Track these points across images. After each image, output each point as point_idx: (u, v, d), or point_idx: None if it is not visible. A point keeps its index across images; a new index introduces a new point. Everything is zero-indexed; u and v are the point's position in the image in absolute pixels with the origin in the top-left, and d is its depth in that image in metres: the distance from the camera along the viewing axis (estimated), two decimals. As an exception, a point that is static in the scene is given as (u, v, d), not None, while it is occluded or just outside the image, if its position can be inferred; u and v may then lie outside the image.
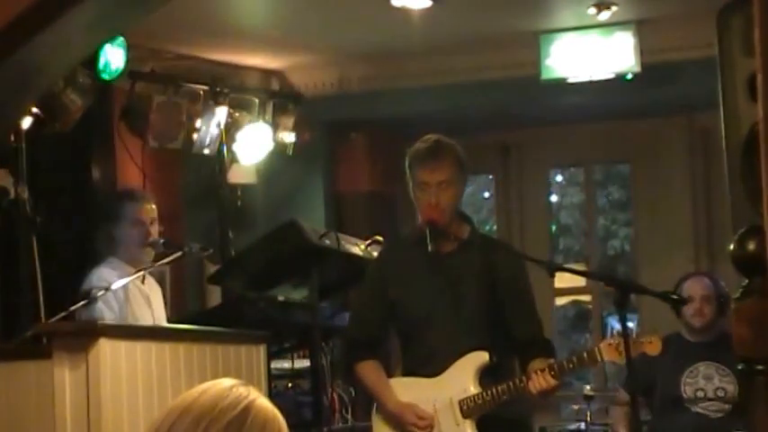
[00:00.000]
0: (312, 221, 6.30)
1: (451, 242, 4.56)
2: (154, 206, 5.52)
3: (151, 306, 5.42)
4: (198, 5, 6.95)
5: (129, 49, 6.64)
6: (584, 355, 4.42)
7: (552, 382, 4.33)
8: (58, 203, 6.37)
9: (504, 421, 4.47)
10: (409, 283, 4.62)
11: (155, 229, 5.46)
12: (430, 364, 4.53)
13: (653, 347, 4.46)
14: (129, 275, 5.19)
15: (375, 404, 4.68)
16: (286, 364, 6.19)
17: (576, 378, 9.75)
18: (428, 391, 4.49)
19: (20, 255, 5.15)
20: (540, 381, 4.33)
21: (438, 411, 4.49)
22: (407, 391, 4.55)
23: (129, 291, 5.24)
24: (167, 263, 5.71)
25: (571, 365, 4.40)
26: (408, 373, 4.63)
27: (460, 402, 4.44)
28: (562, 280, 9.63)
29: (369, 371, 4.65)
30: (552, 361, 4.39)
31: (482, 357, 4.45)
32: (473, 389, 4.44)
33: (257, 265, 5.60)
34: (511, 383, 4.38)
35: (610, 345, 4.36)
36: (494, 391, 4.40)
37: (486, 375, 4.46)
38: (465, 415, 4.44)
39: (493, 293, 4.53)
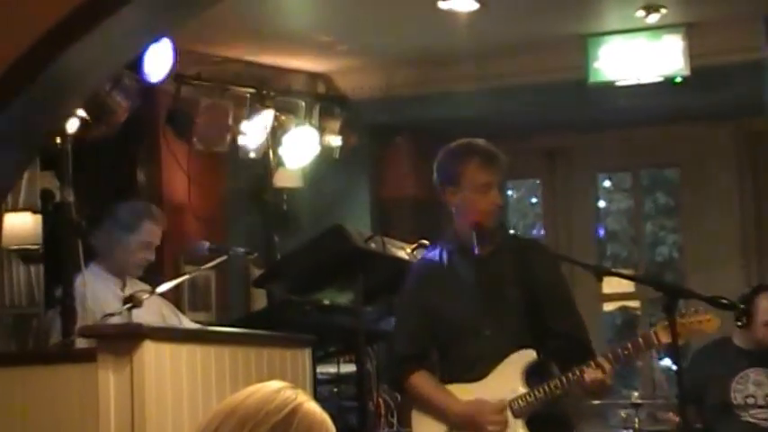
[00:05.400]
0: (358, 225, 6.27)
1: (488, 246, 4.52)
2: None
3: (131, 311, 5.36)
4: (244, 8, 6.94)
5: (176, 52, 6.64)
6: (640, 339, 4.33)
7: (608, 370, 4.24)
8: (104, 207, 6.38)
9: (549, 418, 4.41)
10: (448, 289, 4.57)
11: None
12: (473, 370, 4.47)
13: (711, 325, 4.33)
14: (111, 284, 5.26)
15: (414, 411, 4.61)
16: (331, 369, 6.16)
17: (623, 385, 9.68)
18: (475, 396, 4.43)
19: (65, 258, 5.15)
20: (595, 371, 4.25)
21: None
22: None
23: (102, 298, 5.24)
24: (212, 266, 5.72)
25: (626, 352, 4.31)
26: (449, 379, 4.56)
27: (511, 403, 4.38)
28: (610, 285, 9.55)
29: (423, 381, 4.56)
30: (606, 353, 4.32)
31: (529, 356, 4.39)
32: (522, 388, 4.38)
33: (302, 269, 5.58)
34: (564, 378, 4.31)
35: (665, 327, 4.24)
36: (546, 387, 4.33)
37: (532, 375, 4.40)
38: (516, 415, 4.38)
39: (532, 294, 4.48)
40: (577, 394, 4.44)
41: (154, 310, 5.31)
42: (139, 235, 5.41)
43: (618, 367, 4.31)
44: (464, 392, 4.47)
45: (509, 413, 4.39)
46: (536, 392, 4.36)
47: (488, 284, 4.52)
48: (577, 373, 4.28)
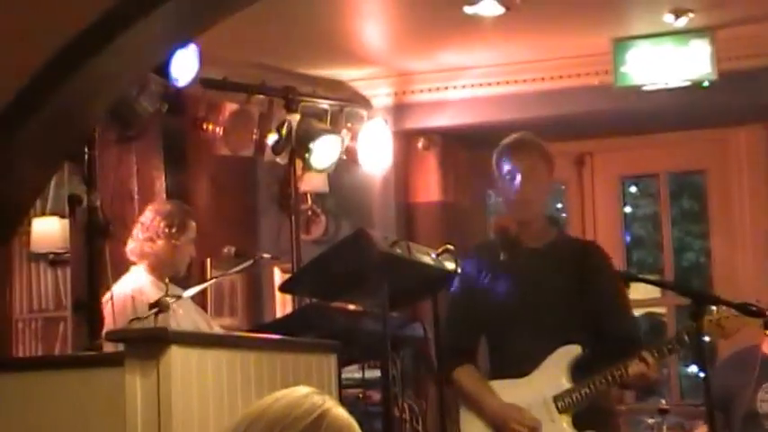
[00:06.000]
0: (383, 231, 6.26)
1: (539, 242, 4.52)
2: None
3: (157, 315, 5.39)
4: (271, 14, 6.95)
5: (202, 56, 6.65)
6: (684, 335, 4.32)
7: (652, 363, 4.25)
8: (130, 211, 6.42)
9: (593, 413, 4.41)
10: (497, 284, 4.59)
11: None
12: (519, 365, 4.49)
13: (747, 319, 4.33)
14: (155, 286, 5.28)
15: (461, 409, 4.62)
16: (356, 374, 6.16)
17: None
18: (520, 392, 4.45)
19: (93, 262, 5.17)
20: (639, 365, 4.25)
21: (532, 411, 4.43)
22: (499, 394, 4.50)
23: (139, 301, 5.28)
24: (238, 271, 5.75)
25: (670, 347, 4.31)
26: (497, 375, 4.59)
27: (555, 398, 4.38)
28: (636, 291, 9.49)
29: (467, 376, 4.60)
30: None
31: (574, 351, 4.40)
32: (566, 383, 4.38)
33: (328, 274, 5.57)
34: (608, 373, 4.31)
35: (710, 321, 4.23)
36: (591, 382, 4.33)
37: (577, 370, 4.40)
38: (561, 411, 4.38)
39: (582, 290, 4.47)
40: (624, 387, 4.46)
41: (186, 315, 5.37)
42: (188, 233, 5.54)
43: (662, 361, 4.32)
44: (510, 388, 4.48)
45: (553, 409, 4.39)
46: (581, 387, 4.36)
47: (535, 282, 4.53)
48: (622, 368, 4.29)
